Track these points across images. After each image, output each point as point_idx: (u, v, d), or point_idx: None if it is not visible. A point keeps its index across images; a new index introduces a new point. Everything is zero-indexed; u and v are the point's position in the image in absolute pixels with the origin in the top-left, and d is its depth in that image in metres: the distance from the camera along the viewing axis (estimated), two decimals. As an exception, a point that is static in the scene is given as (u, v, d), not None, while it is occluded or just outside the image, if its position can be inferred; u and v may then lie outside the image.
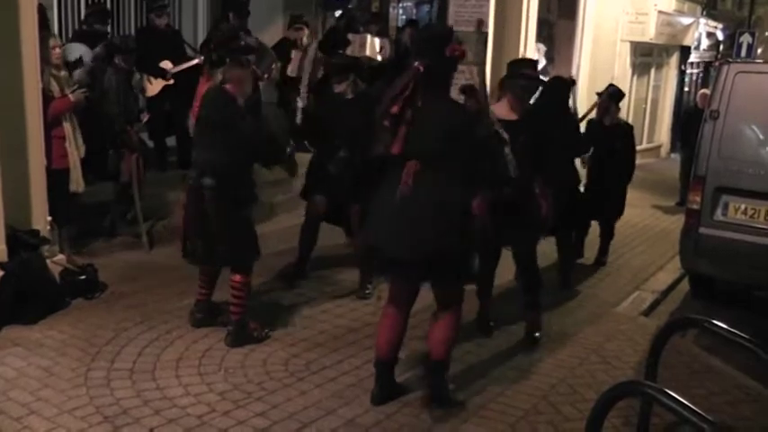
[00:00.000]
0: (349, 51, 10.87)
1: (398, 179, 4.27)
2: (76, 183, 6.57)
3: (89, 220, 7.27)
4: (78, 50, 7.59)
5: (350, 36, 10.91)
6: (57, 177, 6.39)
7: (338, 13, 13.49)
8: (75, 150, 6.52)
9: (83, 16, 9.27)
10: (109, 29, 8.96)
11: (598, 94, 8.45)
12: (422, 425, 4.46)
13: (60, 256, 6.34)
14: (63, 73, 6.65)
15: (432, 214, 4.23)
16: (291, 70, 10.15)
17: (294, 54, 10.24)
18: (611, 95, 8.26)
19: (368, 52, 11.01)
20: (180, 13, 10.87)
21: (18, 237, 5.90)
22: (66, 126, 6.44)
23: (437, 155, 4.27)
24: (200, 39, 10.27)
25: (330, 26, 12.74)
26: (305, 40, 10.59)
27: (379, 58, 10.94)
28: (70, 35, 9.04)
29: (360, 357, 5.27)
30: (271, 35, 10.72)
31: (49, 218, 6.31)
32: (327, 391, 4.77)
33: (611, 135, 8.09)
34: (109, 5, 9.74)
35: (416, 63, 4.24)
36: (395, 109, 4.20)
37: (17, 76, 5.93)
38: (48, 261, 6.03)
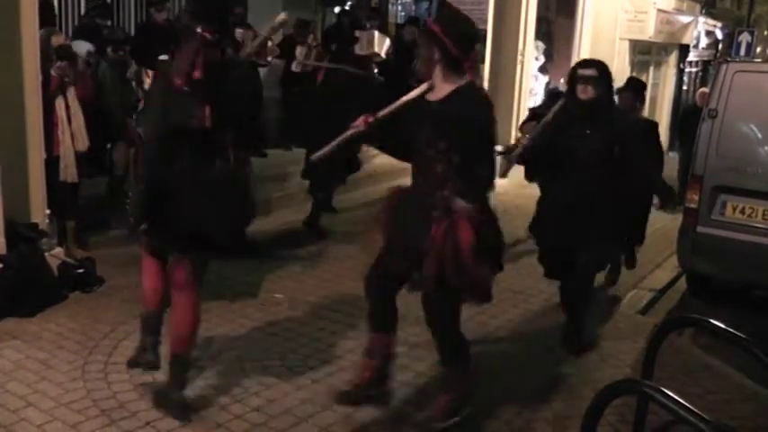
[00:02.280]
0: (357, 48, 10.88)
1: None
2: (65, 172, 6.45)
3: (87, 213, 7.26)
4: (83, 47, 7.58)
5: (357, 33, 10.93)
6: (52, 166, 6.39)
7: (337, 9, 13.50)
8: (68, 139, 6.47)
9: (83, 11, 9.28)
10: (109, 23, 8.96)
11: (618, 90, 7.28)
12: (418, 421, 4.46)
13: (58, 249, 6.34)
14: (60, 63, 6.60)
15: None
16: (296, 66, 10.19)
17: (299, 51, 10.29)
18: (635, 89, 7.45)
19: (376, 48, 11.03)
20: (180, 9, 10.84)
21: (17, 230, 5.91)
22: (61, 113, 6.39)
23: None
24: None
25: (334, 23, 12.77)
26: (310, 39, 10.64)
27: (383, 54, 10.99)
28: (71, 30, 9.03)
29: (357, 353, 5.27)
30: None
31: (48, 211, 6.32)
32: (324, 386, 4.78)
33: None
34: (109, 0, 9.74)
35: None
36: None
37: (17, 69, 5.92)
38: (46, 254, 6.04)
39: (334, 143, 4.20)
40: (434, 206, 3.95)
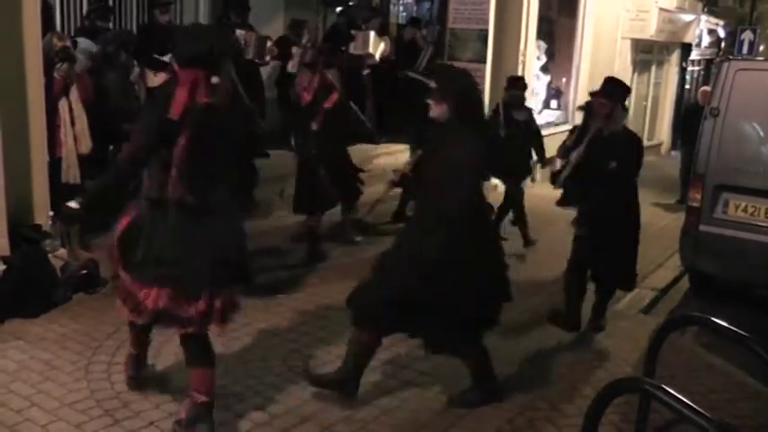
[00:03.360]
0: (352, 48, 10.91)
1: None
2: (66, 173, 6.47)
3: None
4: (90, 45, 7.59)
5: (353, 32, 10.96)
6: (54, 168, 6.40)
7: (339, 9, 13.50)
8: (70, 141, 6.47)
9: (85, 13, 9.27)
10: (111, 25, 8.96)
11: (592, 94, 6.02)
12: (420, 420, 4.48)
13: (62, 251, 6.35)
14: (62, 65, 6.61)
15: None
16: (292, 66, 10.17)
17: (295, 51, 10.28)
18: (610, 95, 5.80)
19: (370, 49, 11.08)
20: (182, 10, 10.86)
21: (20, 231, 5.92)
22: (64, 115, 6.40)
23: None
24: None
25: (332, 24, 12.79)
26: (305, 39, 10.64)
27: (377, 56, 11.03)
28: (72, 32, 9.03)
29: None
30: (271, 32, 10.72)
31: (51, 212, 6.33)
32: (327, 386, 4.79)
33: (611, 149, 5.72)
34: (111, 2, 9.73)
35: None
36: None
37: (19, 71, 5.94)
38: (49, 256, 6.05)
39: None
40: None
